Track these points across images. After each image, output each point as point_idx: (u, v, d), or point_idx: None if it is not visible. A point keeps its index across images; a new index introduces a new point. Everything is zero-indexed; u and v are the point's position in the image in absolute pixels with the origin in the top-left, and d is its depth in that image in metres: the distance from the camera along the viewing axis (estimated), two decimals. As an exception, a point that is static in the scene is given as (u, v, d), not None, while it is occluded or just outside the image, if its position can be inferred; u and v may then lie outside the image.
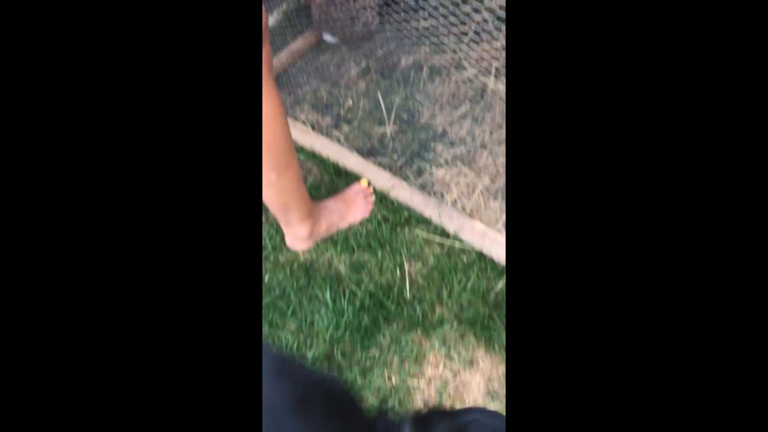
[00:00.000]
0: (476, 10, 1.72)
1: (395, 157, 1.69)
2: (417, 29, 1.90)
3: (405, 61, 1.87)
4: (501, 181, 1.59)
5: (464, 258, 1.51)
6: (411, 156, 1.67)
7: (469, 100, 1.72)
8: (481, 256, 1.49)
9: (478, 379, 1.31)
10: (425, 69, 1.82)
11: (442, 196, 1.60)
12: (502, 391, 1.28)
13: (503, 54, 1.71)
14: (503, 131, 1.58)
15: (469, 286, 1.44)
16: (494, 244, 1.48)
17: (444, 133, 1.70)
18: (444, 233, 1.53)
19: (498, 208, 1.56)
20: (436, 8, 1.78)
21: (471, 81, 1.75)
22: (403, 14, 1.89)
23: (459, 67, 1.78)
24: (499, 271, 1.47)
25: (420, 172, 1.64)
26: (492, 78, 1.73)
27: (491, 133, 1.64)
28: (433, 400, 1.30)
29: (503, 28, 1.74)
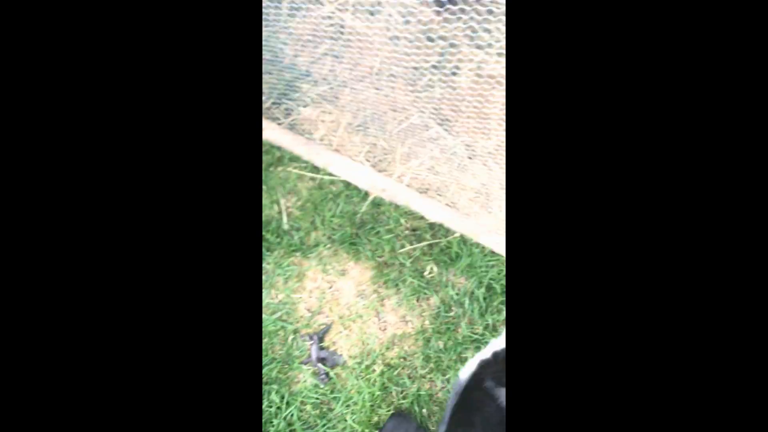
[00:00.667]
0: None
1: (263, 98, 1.77)
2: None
3: (263, -8, 1.85)
4: (361, 117, 1.79)
5: (333, 188, 1.74)
6: (278, 97, 1.76)
7: (329, 38, 1.81)
8: (347, 185, 1.74)
9: (350, 285, 1.64)
10: (285, 4, 1.84)
11: (311, 134, 1.76)
12: (370, 290, 1.62)
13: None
14: (361, 68, 1.74)
15: (338, 211, 1.70)
16: (358, 173, 1.73)
17: (308, 72, 1.81)
18: (314, 168, 1.73)
19: (359, 141, 1.78)
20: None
21: (330, 17, 1.83)
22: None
23: (316, 2, 1.83)
24: (363, 195, 1.74)
25: (288, 113, 1.76)
26: (349, 14, 1.83)
27: (351, 70, 1.80)
28: (314, 307, 1.60)
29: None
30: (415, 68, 1.75)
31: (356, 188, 1.75)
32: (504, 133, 1.70)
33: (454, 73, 1.73)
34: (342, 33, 1.86)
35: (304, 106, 1.79)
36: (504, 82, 1.69)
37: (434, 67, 1.75)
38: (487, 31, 1.75)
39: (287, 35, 1.83)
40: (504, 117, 1.71)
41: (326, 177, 1.74)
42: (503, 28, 1.64)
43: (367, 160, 1.77)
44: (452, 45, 1.75)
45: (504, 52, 1.72)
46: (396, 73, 1.75)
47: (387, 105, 1.76)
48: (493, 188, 1.63)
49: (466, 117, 1.69)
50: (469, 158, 1.71)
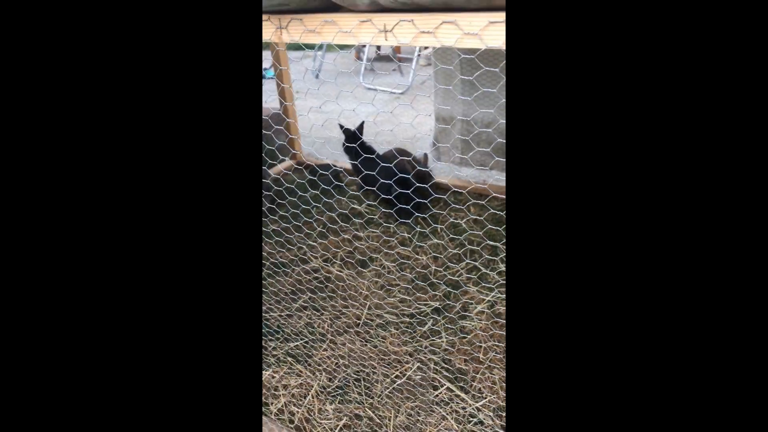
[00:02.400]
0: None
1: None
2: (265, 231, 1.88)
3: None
4: (340, 377, 1.28)
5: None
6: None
7: (309, 291, 1.56)
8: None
9: None
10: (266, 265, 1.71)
11: (266, 405, 1.20)
12: None
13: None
14: (345, 319, 1.38)
15: None
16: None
17: (277, 329, 1.45)
18: None
19: (333, 412, 1.19)
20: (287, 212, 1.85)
21: (315, 271, 1.66)
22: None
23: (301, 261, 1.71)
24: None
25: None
26: (336, 267, 1.67)
27: (332, 322, 1.44)
28: None
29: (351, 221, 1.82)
30: (416, 314, 1.42)
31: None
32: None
33: (462, 317, 1.39)
34: (326, 285, 1.64)
35: (264, 370, 1.31)
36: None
37: (437, 310, 1.43)
38: (494, 270, 1.56)
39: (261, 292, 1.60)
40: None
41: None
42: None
43: (345, 443, 1.11)
44: (456, 287, 1.50)
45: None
46: (389, 320, 1.41)
47: (376, 358, 1.30)
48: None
49: (487, 368, 1.21)
50: (503, 430, 1.10)
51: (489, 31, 0.52)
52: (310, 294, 1.55)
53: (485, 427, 1.10)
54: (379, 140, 2.70)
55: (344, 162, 2.29)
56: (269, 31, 0.67)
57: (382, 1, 0.58)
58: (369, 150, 1.98)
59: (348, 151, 2.05)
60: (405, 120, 3.04)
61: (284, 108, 2.22)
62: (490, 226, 1.68)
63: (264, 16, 0.68)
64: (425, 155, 2.00)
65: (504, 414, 1.14)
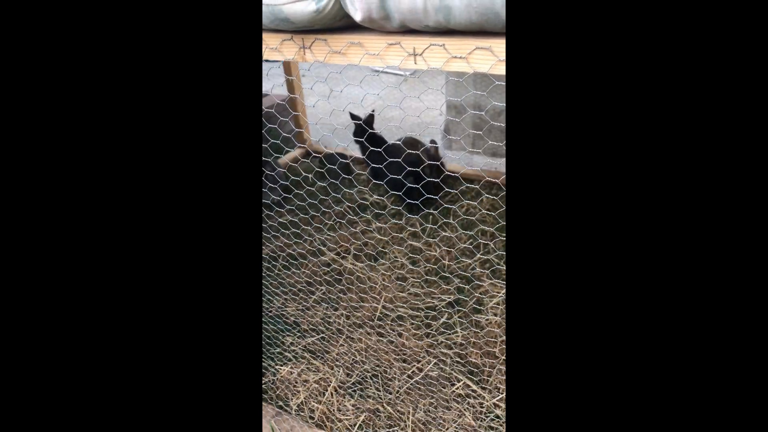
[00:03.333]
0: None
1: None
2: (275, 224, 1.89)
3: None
4: (358, 373, 1.30)
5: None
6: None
7: (324, 284, 1.58)
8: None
9: None
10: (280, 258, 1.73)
11: (286, 401, 1.23)
12: None
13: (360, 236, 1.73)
14: (359, 312, 1.40)
15: None
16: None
17: (295, 323, 1.47)
18: None
19: (352, 407, 1.22)
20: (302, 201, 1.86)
21: (328, 264, 1.67)
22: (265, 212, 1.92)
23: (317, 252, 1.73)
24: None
25: (261, 374, 1.30)
26: (350, 261, 1.68)
27: (348, 316, 1.46)
28: None
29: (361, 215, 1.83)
30: (430, 308, 1.43)
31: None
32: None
33: (476, 311, 1.40)
34: (341, 278, 1.66)
35: (282, 365, 1.34)
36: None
37: (450, 304, 1.44)
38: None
39: (277, 285, 1.62)
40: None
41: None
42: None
43: (365, 437, 1.14)
44: (470, 280, 1.51)
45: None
46: (403, 315, 1.42)
47: (392, 354, 1.32)
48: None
49: (502, 363, 1.23)
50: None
51: None
52: (326, 286, 1.56)
53: (503, 422, 1.13)
54: (388, 127, 2.67)
55: (354, 151, 2.27)
56: (292, 50, 0.65)
57: (412, 24, 0.56)
58: (379, 141, 1.96)
59: (358, 141, 2.03)
60: (413, 105, 3.00)
61: (291, 98, 2.19)
62: (501, 221, 1.67)
63: (287, 36, 0.66)
64: (436, 147, 1.98)
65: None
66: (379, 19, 0.61)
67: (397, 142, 1.52)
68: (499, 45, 0.53)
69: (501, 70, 0.53)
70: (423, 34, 0.59)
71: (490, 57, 0.53)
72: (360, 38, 0.63)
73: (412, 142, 1.95)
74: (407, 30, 0.61)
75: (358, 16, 0.62)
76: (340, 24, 0.65)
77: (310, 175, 1.56)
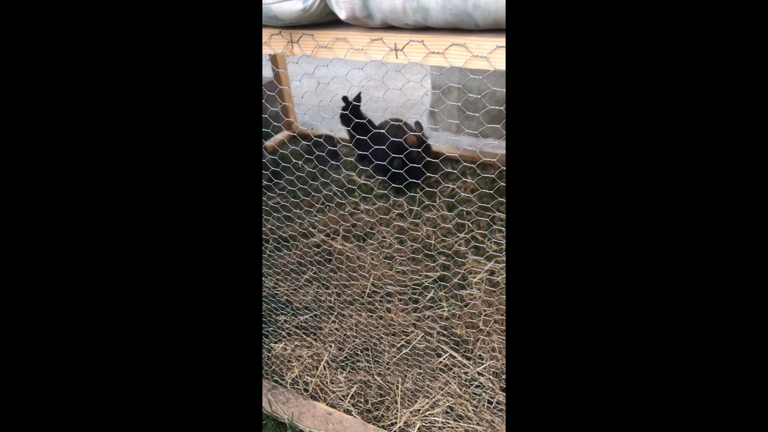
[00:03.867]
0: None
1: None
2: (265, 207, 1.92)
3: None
4: (349, 348, 1.37)
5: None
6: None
7: (315, 265, 1.63)
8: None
9: None
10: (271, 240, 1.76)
11: (281, 376, 1.29)
12: None
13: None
14: (351, 291, 1.46)
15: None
16: (341, 428, 1.14)
17: (288, 301, 1.52)
18: (277, 427, 1.16)
19: (344, 380, 1.28)
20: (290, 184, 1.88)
21: (318, 246, 1.72)
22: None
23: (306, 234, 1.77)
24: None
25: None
26: (339, 241, 1.72)
27: (338, 294, 1.52)
28: None
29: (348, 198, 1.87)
30: (416, 285, 1.49)
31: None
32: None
33: (461, 286, 1.47)
34: (330, 258, 1.71)
35: (277, 342, 1.40)
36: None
37: (437, 281, 1.50)
38: (490, 239, 1.62)
39: (269, 266, 1.66)
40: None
41: (293, 437, 1.15)
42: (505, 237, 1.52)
43: (355, 406, 1.22)
44: (455, 257, 1.57)
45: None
46: (392, 292, 1.48)
47: (382, 329, 1.39)
48: None
49: (486, 335, 1.30)
50: (503, 391, 1.20)
51: (497, 55, 0.54)
52: (317, 267, 1.61)
53: (485, 389, 1.21)
54: (373, 107, 2.68)
55: (341, 132, 2.29)
56: (280, 44, 0.68)
57: (393, 22, 0.59)
58: (366, 128, 1.98)
59: (346, 123, 2.05)
60: (398, 85, 3.00)
61: (276, 75, 2.19)
62: (481, 202, 1.73)
63: (275, 30, 0.68)
64: (419, 124, 2.01)
65: (504, 376, 1.25)
66: (362, 18, 0.64)
67: (382, 131, 1.55)
68: (473, 42, 0.57)
69: (476, 64, 0.57)
70: (404, 30, 0.63)
71: (465, 53, 0.58)
72: (345, 34, 0.66)
73: (397, 126, 1.97)
74: (389, 27, 0.64)
75: (342, 15, 0.65)
76: (326, 20, 0.68)
77: (300, 162, 1.59)
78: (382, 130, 1.52)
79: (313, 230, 1.77)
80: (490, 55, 0.55)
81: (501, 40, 0.53)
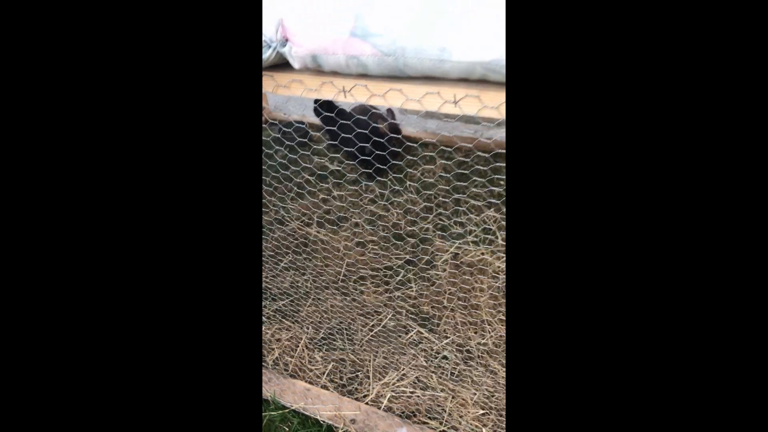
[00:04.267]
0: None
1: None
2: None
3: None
4: (325, 329, 1.46)
5: (285, 427, 1.22)
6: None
7: (291, 252, 1.70)
8: (304, 420, 1.23)
9: None
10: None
11: (263, 358, 1.38)
12: None
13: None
14: (326, 276, 1.55)
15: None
16: (318, 401, 1.24)
17: (265, 288, 1.60)
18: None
19: (321, 359, 1.39)
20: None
21: (294, 233, 1.79)
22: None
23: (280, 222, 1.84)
24: (324, 430, 1.20)
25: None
26: (314, 228, 1.80)
27: (314, 279, 1.60)
28: None
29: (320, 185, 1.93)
30: (387, 268, 1.59)
31: (316, 422, 1.23)
32: (504, 326, 1.39)
33: (429, 267, 1.57)
34: (306, 245, 1.78)
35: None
36: (485, 269, 1.52)
37: (407, 262, 1.60)
38: (458, 223, 1.71)
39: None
40: (498, 307, 1.44)
41: (276, 412, 1.25)
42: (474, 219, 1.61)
43: (332, 382, 1.32)
44: (423, 240, 1.66)
45: (477, 240, 1.63)
46: (365, 275, 1.57)
47: (356, 310, 1.48)
48: (504, 399, 1.18)
49: (450, 311, 1.41)
50: (465, 362, 1.31)
51: (428, 98, 0.65)
52: (293, 254, 1.69)
53: (449, 362, 1.33)
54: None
55: (312, 118, 2.32)
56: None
57: (340, 72, 0.68)
58: (338, 110, 2.02)
59: (316, 110, 2.09)
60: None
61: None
62: (456, 182, 1.80)
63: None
64: (392, 111, 2.06)
65: (464, 349, 1.36)
66: (313, 68, 0.78)
67: (350, 122, 1.60)
68: (409, 88, 0.69)
69: (411, 105, 0.67)
70: (350, 75, 0.74)
71: (401, 96, 0.69)
72: (300, 77, 0.79)
73: (369, 114, 2.02)
74: (366, 73, 0.73)
75: (296, 65, 0.79)
76: (283, 62, 0.77)
77: (272, 151, 1.64)
78: (356, 116, 1.56)
79: (287, 217, 1.83)
80: (422, 99, 0.64)
81: (430, 88, 0.65)
